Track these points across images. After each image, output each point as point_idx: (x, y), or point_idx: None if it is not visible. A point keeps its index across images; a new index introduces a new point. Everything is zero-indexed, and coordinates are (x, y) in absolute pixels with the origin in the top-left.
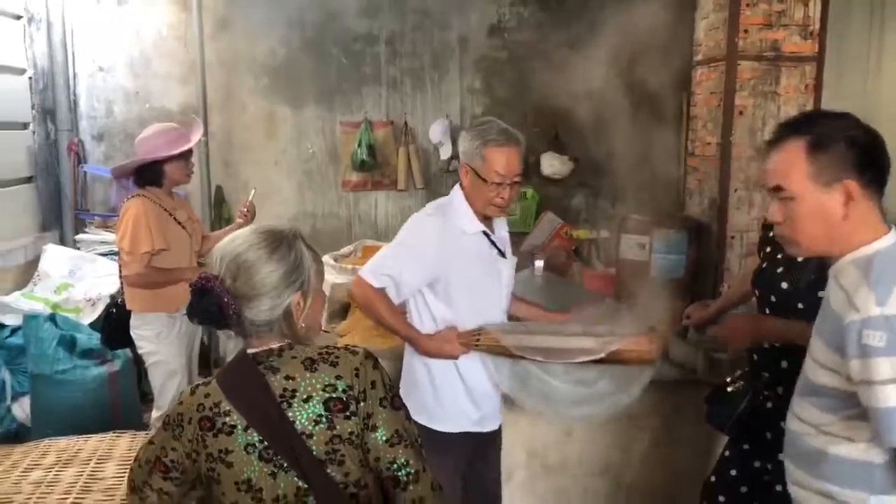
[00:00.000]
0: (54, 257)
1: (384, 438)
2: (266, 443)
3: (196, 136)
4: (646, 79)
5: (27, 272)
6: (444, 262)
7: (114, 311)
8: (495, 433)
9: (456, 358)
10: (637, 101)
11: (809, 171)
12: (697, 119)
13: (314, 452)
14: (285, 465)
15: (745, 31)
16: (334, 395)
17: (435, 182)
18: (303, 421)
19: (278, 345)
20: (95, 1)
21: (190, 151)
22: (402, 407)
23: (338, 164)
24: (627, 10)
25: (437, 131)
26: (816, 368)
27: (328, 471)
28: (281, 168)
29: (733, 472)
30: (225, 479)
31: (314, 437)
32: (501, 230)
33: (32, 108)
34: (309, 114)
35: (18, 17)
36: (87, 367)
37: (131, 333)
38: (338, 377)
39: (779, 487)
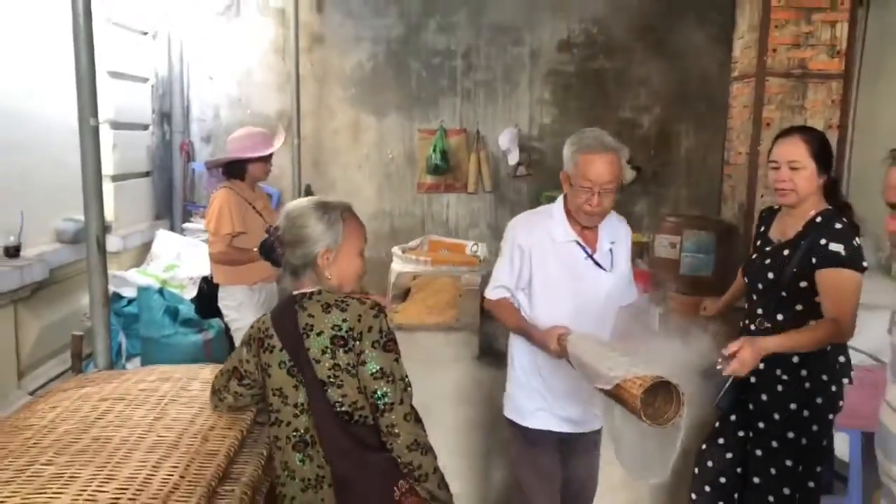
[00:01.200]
0: (165, 242)
1: (370, 372)
2: (292, 362)
3: (277, 143)
4: (703, 98)
5: (142, 253)
6: (528, 263)
7: (205, 285)
8: (592, 435)
9: (553, 356)
10: (694, 119)
11: None
12: (732, 131)
13: (318, 375)
14: (304, 380)
15: (774, 51)
16: (339, 333)
17: (503, 186)
18: (314, 350)
19: (311, 290)
20: (213, 16)
21: (270, 154)
22: (393, 351)
23: (414, 168)
24: (687, 33)
25: (505, 139)
26: None
27: (328, 390)
28: (364, 170)
29: (721, 441)
30: (267, 385)
31: (320, 363)
32: (608, 242)
33: (152, 112)
34: (390, 122)
35: (145, 34)
36: (187, 334)
37: (219, 304)
38: (344, 320)
39: (759, 452)
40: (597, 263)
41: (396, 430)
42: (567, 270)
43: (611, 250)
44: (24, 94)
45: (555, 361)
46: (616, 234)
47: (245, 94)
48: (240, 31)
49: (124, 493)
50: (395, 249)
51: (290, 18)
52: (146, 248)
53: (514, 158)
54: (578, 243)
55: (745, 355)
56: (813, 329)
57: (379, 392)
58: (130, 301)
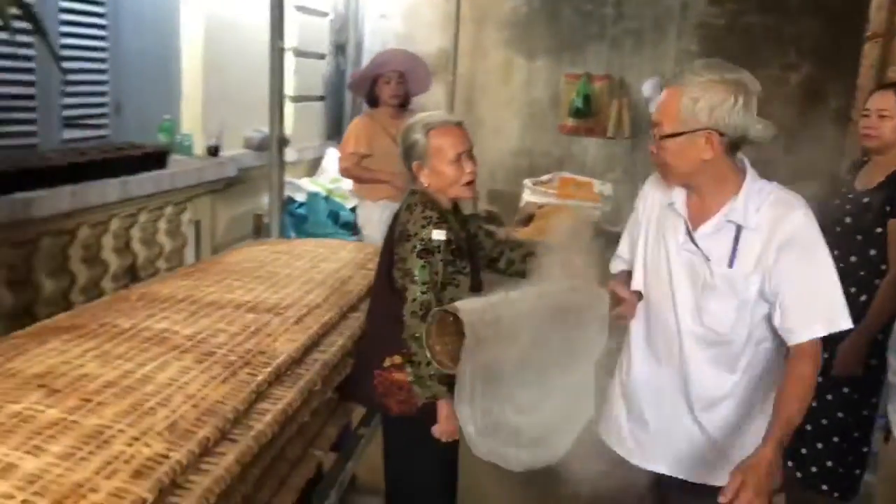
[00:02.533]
0: (333, 158)
1: (404, 267)
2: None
3: (388, 67)
4: (855, 57)
5: (313, 166)
6: (639, 231)
7: None
8: (703, 491)
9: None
10: (845, 78)
11: None
12: (859, 90)
13: (393, 252)
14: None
15: None
16: (402, 229)
17: (642, 133)
18: (395, 234)
19: (414, 188)
20: None
21: (391, 77)
22: (424, 258)
23: (558, 110)
24: None
25: (648, 87)
26: None
27: (392, 268)
28: (511, 109)
29: None
30: None
31: (395, 246)
32: (724, 219)
33: (329, 44)
34: (539, 64)
35: None
36: (345, 235)
37: None
38: (407, 220)
39: (819, 379)
40: (694, 243)
41: (404, 320)
42: (661, 244)
43: (736, 236)
44: (224, 24)
45: (638, 352)
46: (753, 219)
47: (411, 32)
48: None
49: (284, 301)
50: (527, 181)
51: None
52: (317, 162)
53: (654, 107)
54: (676, 210)
55: (842, 358)
56: (881, 298)
57: (405, 285)
58: (301, 205)
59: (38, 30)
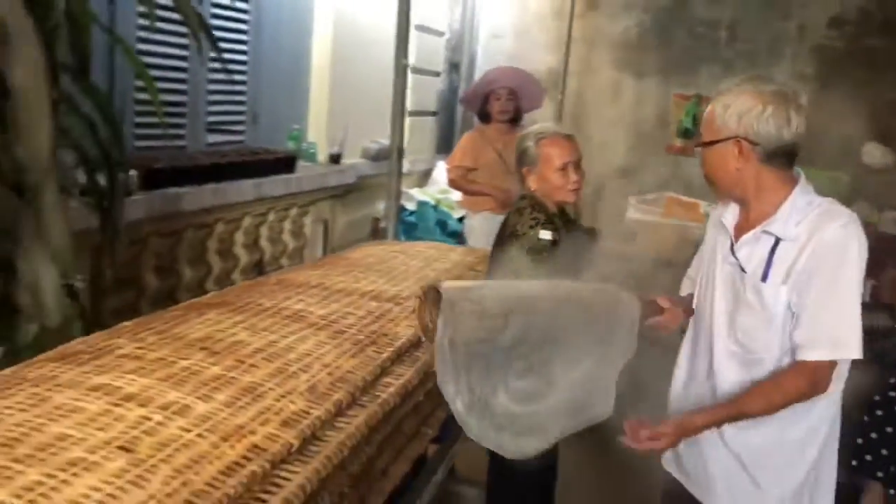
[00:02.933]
0: (442, 170)
1: (500, 264)
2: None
3: (498, 84)
4: None
5: (424, 178)
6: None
7: None
8: None
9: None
10: None
11: None
12: None
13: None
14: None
15: None
16: (511, 230)
17: None
18: (504, 234)
19: (524, 192)
20: None
21: (501, 94)
22: (532, 255)
23: (665, 130)
24: None
25: None
26: None
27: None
28: (618, 128)
29: (892, 394)
30: None
31: (506, 244)
32: (760, 231)
33: (444, 61)
34: (648, 84)
35: None
36: (451, 243)
37: None
38: (517, 222)
39: None
40: (734, 255)
41: None
42: (713, 260)
43: (773, 249)
44: (348, 44)
45: (682, 370)
46: (792, 231)
47: (522, 51)
48: None
49: (402, 292)
50: (631, 199)
51: None
52: (427, 173)
53: None
54: (725, 224)
55: None
56: None
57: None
58: (412, 213)
59: (217, 49)
